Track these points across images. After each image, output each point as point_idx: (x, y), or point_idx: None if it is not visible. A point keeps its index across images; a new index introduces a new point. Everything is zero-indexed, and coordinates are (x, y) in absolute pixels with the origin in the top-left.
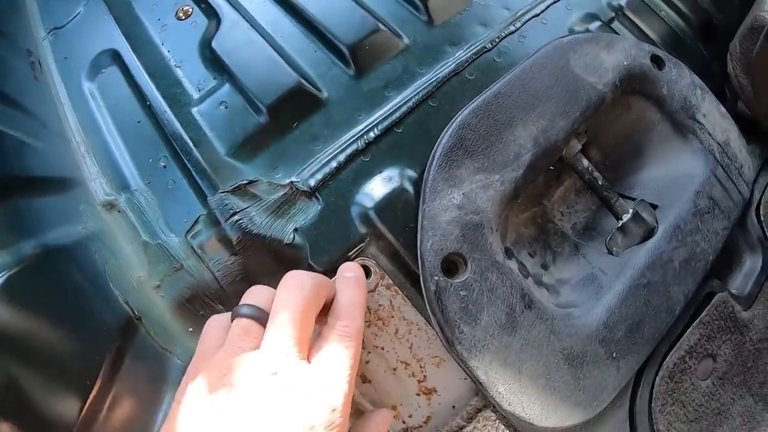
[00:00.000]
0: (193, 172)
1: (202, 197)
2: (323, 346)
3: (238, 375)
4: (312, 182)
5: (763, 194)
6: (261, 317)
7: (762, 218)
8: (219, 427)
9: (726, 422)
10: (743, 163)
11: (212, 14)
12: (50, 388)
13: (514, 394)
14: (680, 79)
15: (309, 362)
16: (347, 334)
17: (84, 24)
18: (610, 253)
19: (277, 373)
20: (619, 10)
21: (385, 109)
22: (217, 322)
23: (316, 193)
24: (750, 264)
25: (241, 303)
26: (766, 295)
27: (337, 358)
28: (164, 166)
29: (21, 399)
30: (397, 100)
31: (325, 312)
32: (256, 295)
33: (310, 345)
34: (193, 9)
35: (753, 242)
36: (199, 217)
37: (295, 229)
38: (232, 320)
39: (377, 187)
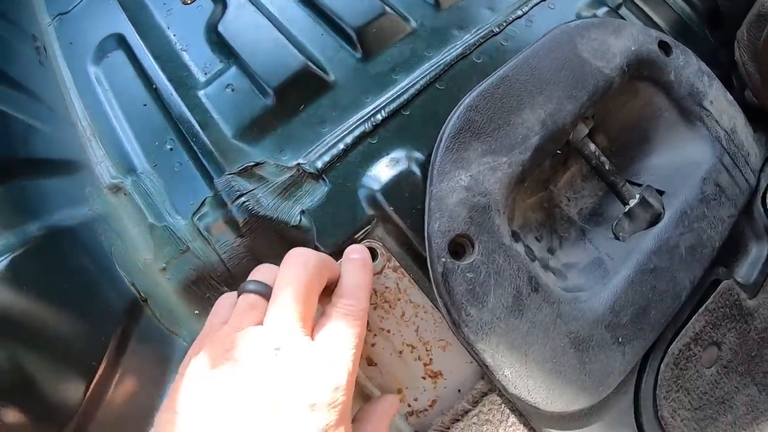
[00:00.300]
0: (200, 155)
1: (209, 179)
2: (327, 324)
3: (241, 349)
4: (319, 164)
5: None
6: (267, 293)
7: (767, 206)
8: (220, 400)
9: (730, 411)
10: (750, 151)
11: None
12: (55, 369)
13: (520, 377)
14: (687, 66)
15: (312, 340)
16: (352, 313)
17: (89, 9)
18: (617, 238)
19: (280, 348)
20: None
21: (392, 92)
22: (226, 299)
23: (323, 175)
24: (756, 252)
25: (247, 279)
26: None
27: (341, 337)
28: (170, 149)
29: (26, 381)
30: (405, 82)
31: (329, 293)
32: (263, 272)
33: (314, 324)
34: None
35: (759, 231)
36: (205, 199)
37: (302, 211)
38: (238, 296)
39: (384, 170)
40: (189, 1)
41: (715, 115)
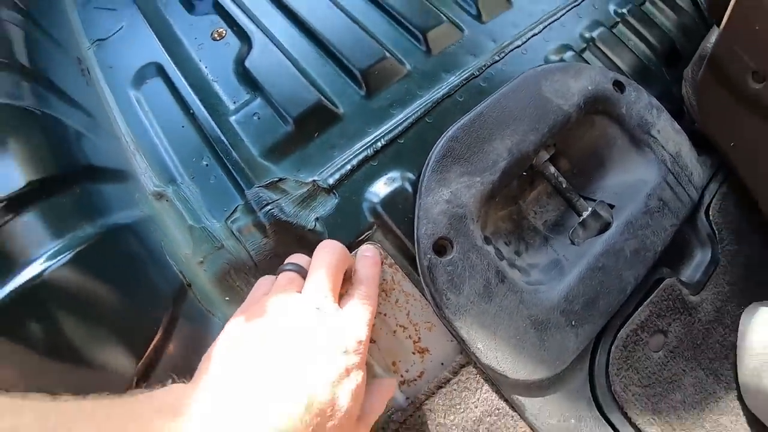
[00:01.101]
0: (232, 171)
1: (240, 191)
2: (349, 302)
3: (284, 309)
4: (330, 181)
5: (713, 198)
6: (302, 272)
7: (711, 218)
8: (260, 343)
9: (679, 390)
10: (693, 171)
11: (244, 37)
12: (120, 338)
13: (490, 350)
14: (639, 101)
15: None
16: (368, 296)
17: (126, 38)
18: (573, 243)
19: (320, 308)
20: (590, 41)
21: (390, 124)
22: (265, 280)
23: (334, 190)
24: (700, 257)
25: (285, 263)
26: (714, 283)
27: (361, 310)
28: (206, 165)
29: (99, 347)
30: (400, 116)
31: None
32: (296, 258)
33: (338, 300)
34: (226, 31)
35: (703, 238)
36: (237, 206)
37: (317, 218)
38: (277, 275)
39: (383, 186)
40: (218, 38)
41: (662, 142)
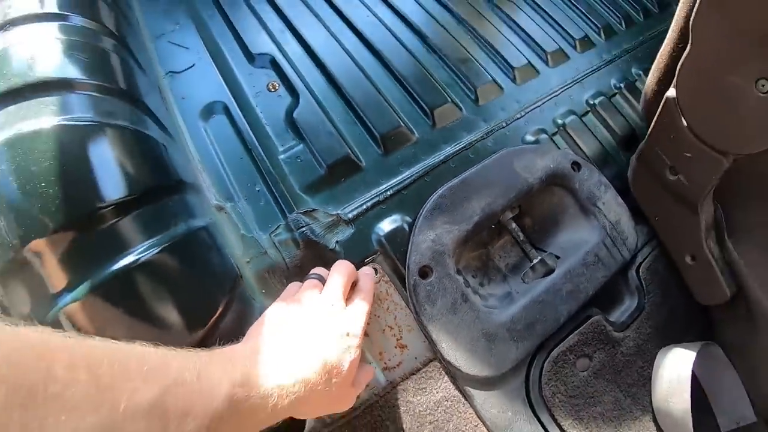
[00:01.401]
0: (278, 198)
1: (283, 213)
2: (352, 303)
3: (312, 302)
4: (350, 215)
5: (645, 259)
6: (322, 280)
7: (641, 274)
8: (294, 323)
9: (599, 405)
10: (629, 237)
11: (293, 92)
12: (190, 313)
13: (451, 350)
14: (590, 178)
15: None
16: (367, 300)
17: (197, 75)
18: (524, 281)
19: (333, 305)
20: (561, 127)
21: (398, 179)
22: (295, 285)
23: (352, 222)
24: (628, 303)
25: (310, 273)
26: (637, 325)
27: (361, 308)
28: (258, 190)
29: (169, 320)
30: (406, 174)
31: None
32: (318, 270)
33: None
34: (279, 85)
35: (632, 290)
36: (280, 224)
37: (337, 241)
38: (304, 281)
39: (387, 224)
40: (272, 90)
41: (605, 212)
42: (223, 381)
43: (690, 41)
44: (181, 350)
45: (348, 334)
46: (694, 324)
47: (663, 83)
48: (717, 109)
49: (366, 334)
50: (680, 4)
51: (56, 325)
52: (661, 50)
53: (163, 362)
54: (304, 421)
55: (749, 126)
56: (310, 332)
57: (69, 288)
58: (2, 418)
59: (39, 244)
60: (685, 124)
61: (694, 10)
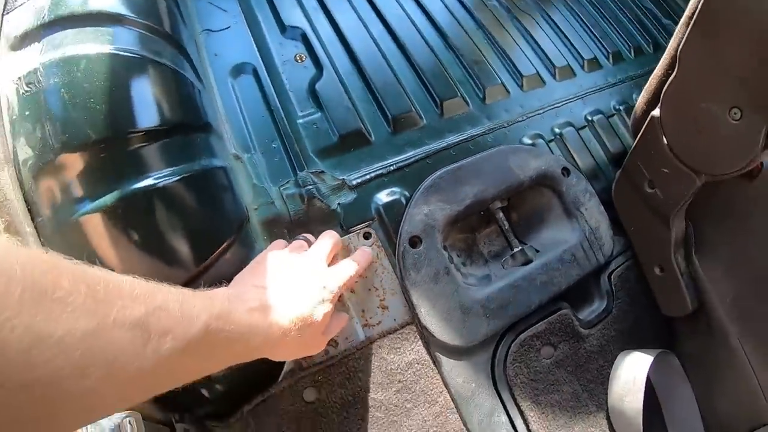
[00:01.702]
0: (291, 156)
1: (293, 171)
2: (337, 264)
3: (293, 257)
4: (354, 182)
5: (618, 266)
6: (309, 242)
7: (612, 280)
8: (275, 272)
9: (557, 393)
10: (605, 243)
11: (318, 66)
12: (197, 242)
13: (428, 315)
14: (577, 185)
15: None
16: (352, 267)
17: (232, 36)
18: (503, 267)
19: (314, 263)
20: (558, 136)
21: (401, 157)
22: (281, 241)
23: (355, 189)
24: (597, 305)
25: (298, 236)
26: (603, 326)
27: (344, 270)
28: (275, 147)
29: (176, 246)
30: (410, 154)
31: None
32: (306, 234)
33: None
34: (306, 57)
35: (603, 293)
36: (289, 180)
37: (339, 203)
38: (291, 241)
39: (386, 195)
40: (299, 61)
41: (586, 217)
42: (202, 313)
43: (676, 67)
44: (169, 285)
45: (324, 287)
46: (657, 334)
47: (651, 103)
48: (694, 131)
49: (352, 290)
50: (674, 34)
51: (73, 230)
52: (653, 73)
53: (151, 290)
54: (281, 367)
55: (720, 149)
56: (289, 283)
57: (92, 197)
58: (17, 308)
59: (77, 150)
60: (665, 142)
61: (683, 39)
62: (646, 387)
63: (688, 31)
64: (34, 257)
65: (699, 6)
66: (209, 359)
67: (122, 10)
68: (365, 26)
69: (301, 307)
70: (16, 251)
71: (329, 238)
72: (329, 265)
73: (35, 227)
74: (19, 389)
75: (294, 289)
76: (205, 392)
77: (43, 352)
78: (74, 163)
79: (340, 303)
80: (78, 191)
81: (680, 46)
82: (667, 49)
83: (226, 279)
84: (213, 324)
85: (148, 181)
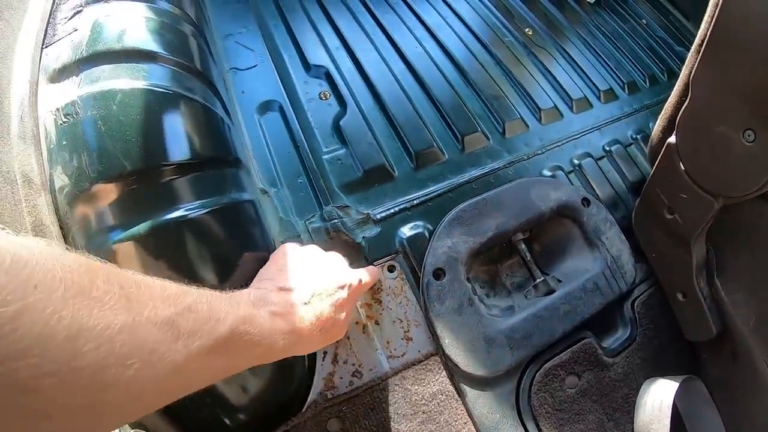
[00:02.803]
0: (317, 190)
1: (319, 205)
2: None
3: (318, 259)
4: (378, 216)
5: (642, 294)
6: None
7: (635, 307)
8: (301, 273)
9: (582, 423)
10: (627, 271)
11: (342, 103)
12: (223, 276)
13: (452, 346)
14: (598, 214)
15: None
16: (365, 276)
17: (258, 75)
18: (526, 298)
19: (335, 264)
20: (577, 167)
21: (424, 191)
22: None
23: (379, 223)
24: (621, 333)
25: None
26: (627, 354)
27: (365, 276)
28: (300, 182)
29: (201, 277)
30: (432, 188)
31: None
32: None
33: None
34: (330, 95)
35: (626, 321)
36: (315, 214)
37: (363, 237)
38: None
39: (410, 229)
40: (323, 98)
41: (608, 246)
42: (228, 316)
43: (689, 94)
44: (197, 287)
45: (344, 287)
46: (682, 360)
47: (666, 131)
48: (709, 156)
49: (377, 323)
50: (686, 62)
51: (106, 257)
52: (667, 102)
53: (180, 292)
54: (305, 397)
55: (736, 171)
56: (312, 284)
57: (124, 226)
58: (60, 303)
59: (112, 180)
60: (682, 168)
61: (694, 66)
62: (672, 414)
63: (699, 58)
64: (73, 260)
65: (709, 32)
66: (236, 359)
67: (156, 48)
68: (386, 64)
69: (322, 309)
70: (57, 254)
71: (372, 272)
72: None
73: None
74: (69, 374)
75: (316, 290)
76: (227, 421)
77: (88, 342)
78: (108, 192)
79: (364, 335)
80: (111, 220)
81: (692, 73)
82: (680, 77)
83: None
84: (239, 328)
85: (178, 213)
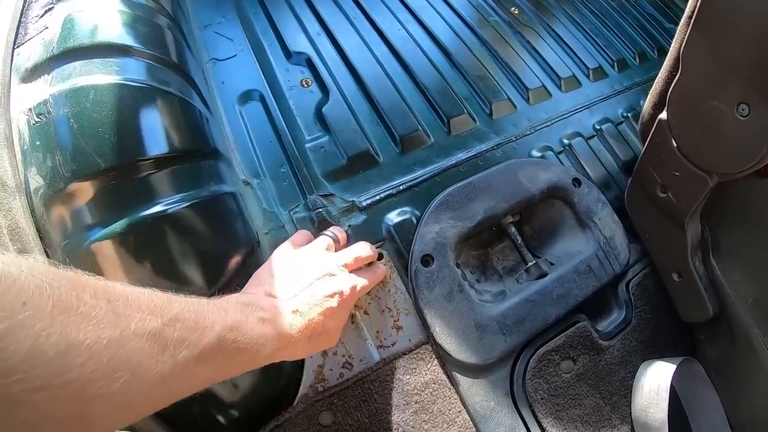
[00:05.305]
0: (300, 180)
1: (303, 194)
2: (356, 276)
3: (315, 260)
4: (364, 203)
5: (636, 275)
6: (336, 241)
7: (630, 289)
8: (290, 277)
9: (579, 408)
10: (621, 252)
11: (324, 90)
12: (207, 268)
13: (443, 334)
14: (589, 195)
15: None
16: (369, 278)
17: (238, 64)
18: (518, 282)
19: (335, 271)
20: (567, 147)
21: (410, 176)
22: (305, 233)
23: (365, 210)
24: (616, 315)
25: (327, 230)
26: (623, 336)
27: (361, 281)
28: (284, 171)
29: (186, 273)
30: (419, 173)
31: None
32: (335, 230)
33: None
34: (312, 82)
35: (620, 303)
36: (299, 203)
37: (349, 225)
38: (319, 233)
39: (396, 216)
40: (305, 86)
41: (600, 227)
42: (216, 324)
43: (680, 68)
44: (184, 296)
45: (336, 294)
46: (679, 342)
47: (657, 107)
48: (702, 131)
49: (366, 312)
50: (676, 35)
51: (85, 257)
52: (657, 77)
53: (167, 302)
54: (296, 390)
55: (730, 147)
56: (301, 290)
57: (102, 224)
58: (49, 319)
59: (87, 178)
60: (674, 144)
61: (684, 39)
62: (670, 396)
63: (689, 31)
64: (60, 275)
65: (698, 4)
66: (223, 366)
67: (129, 41)
68: (369, 48)
69: (310, 317)
70: (45, 271)
71: (363, 248)
72: (356, 272)
73: (47, 255)
74: (58, 389)
75: (304, 298)
76: (220, 418)
77: (75, 357)
78: (84, 191)
79: (353, 325)
80: (88, 219)
81: (682, 47)
82: (670, 51)
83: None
84: (226, 335)
85: (157, 208)
